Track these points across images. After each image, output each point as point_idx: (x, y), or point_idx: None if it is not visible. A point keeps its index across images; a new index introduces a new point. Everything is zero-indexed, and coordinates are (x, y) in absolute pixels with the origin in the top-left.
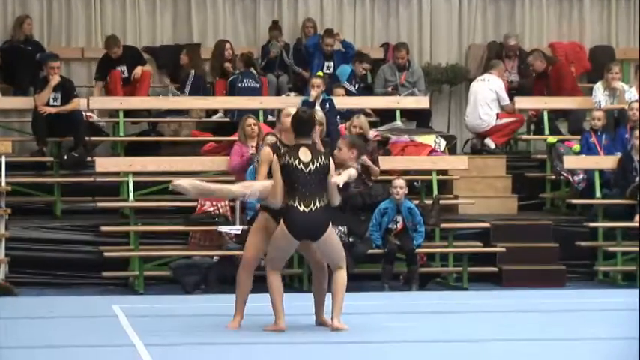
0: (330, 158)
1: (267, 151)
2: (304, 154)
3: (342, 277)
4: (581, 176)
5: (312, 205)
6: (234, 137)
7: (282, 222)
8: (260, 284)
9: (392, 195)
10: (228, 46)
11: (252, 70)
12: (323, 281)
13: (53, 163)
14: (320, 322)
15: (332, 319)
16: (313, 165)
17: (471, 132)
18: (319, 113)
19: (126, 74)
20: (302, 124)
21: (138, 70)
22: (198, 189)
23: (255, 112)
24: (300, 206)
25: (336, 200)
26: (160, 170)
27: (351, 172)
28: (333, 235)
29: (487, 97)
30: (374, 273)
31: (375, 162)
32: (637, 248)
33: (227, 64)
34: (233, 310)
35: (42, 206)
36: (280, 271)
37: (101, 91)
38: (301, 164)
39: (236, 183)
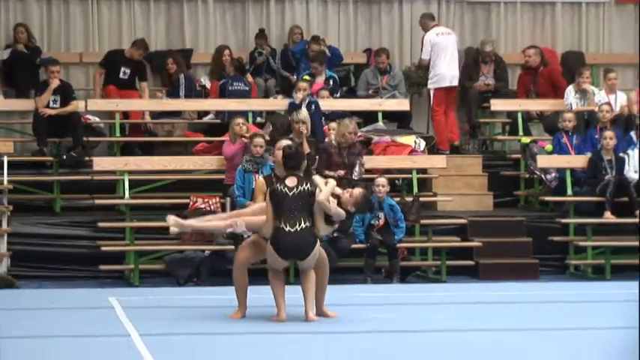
0: (317, 184)
1: (260, 182)
2: (290, 181)
3: (312, 275)
4: (553, 175)
5: (297, 225)
6: (225, 137)
7: (269, 244)
8: (261, 277)
9: (374, 192)
10: (227, 52)
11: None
12: (324, 275)
13: (53, 162)
14: (320, 313)
15: (307, 311)
16: (297, 189)
17: (448, 84)
18: (303, 112)
19: (126, 76)
20: (290, 159)
21: (144, 86)
22: (193, 227)
23: (244, 114)
24: (286, 227)
25: (322, 230)
26: (154, 169)
27: (331, 183)
28: (317, 256)
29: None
30: (357, 267)
31: (360, 154)
32: (606, 243)
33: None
34: (225, 301)
35: (42, 203)
36: (282, 275)
37: (101, 79)
38: (286, 188)
39: (229, 170)
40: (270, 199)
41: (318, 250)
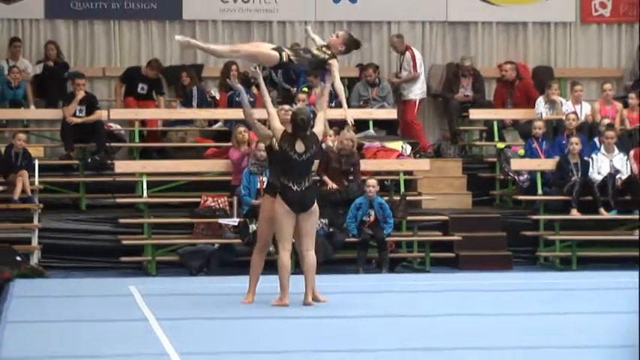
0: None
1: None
2: (299, 146)
3: (313, 257)
4: (525, 176)
5: (303, 184)
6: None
7: (279, 199)
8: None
9: (365, 192)
10: (234, 67)
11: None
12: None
13: (79, 165)
14: (315, 299)
15: (306, 296)
16: (306, 155)
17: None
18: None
19: (144, 91)
20: (299, 127)
21: (160, 99)
22: (196, 45)
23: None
24: (294, 186)
25: (324, 103)
26: (169, 171)
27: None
28: (317, 214)
29: None
30: (350, 258)
31: (357, 165)
32: (572, 237)
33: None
34: (233, 289)
35: (69, 202)
36: (290, 252)
37: (121, 91)
38: (296, 154)
39: (235, 172)
40: (280, 157)
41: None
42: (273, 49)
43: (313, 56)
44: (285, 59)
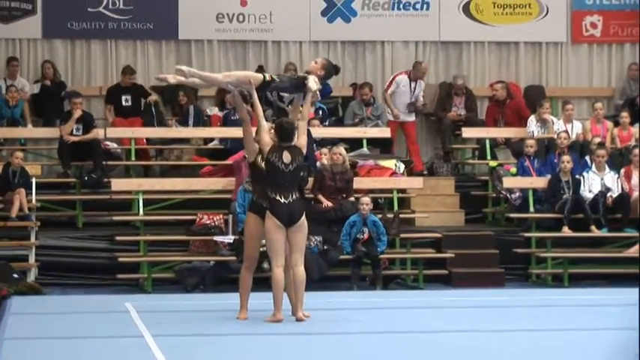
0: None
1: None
2: (286, 157)
3: (302, 273)
4: (517, 194)
5: (290, 197)
6: (229, 161)
7: (268, 214)
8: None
9: (359, 210)
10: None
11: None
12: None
13: (76, 183)
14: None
15: (297, 311)
16: (292, 165)
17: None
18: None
19: (129, 103)
20: (285, 134)
21: (151, 100)
22: (192, 73)
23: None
24: (282, 198)
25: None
26: (165, 189)
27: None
28: (305, 227)
29: None
30: (344, 275)
31: (350, 181)
32: (564, 255)
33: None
34: (228, 306)
35: (66, 219)
36: (283, 267)
37: (111, 112)
38: (283, 164)
39: (236, 179)
40: (268, 169)
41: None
42: (256, 71)
43: (293, 77)
44: (267, 79)
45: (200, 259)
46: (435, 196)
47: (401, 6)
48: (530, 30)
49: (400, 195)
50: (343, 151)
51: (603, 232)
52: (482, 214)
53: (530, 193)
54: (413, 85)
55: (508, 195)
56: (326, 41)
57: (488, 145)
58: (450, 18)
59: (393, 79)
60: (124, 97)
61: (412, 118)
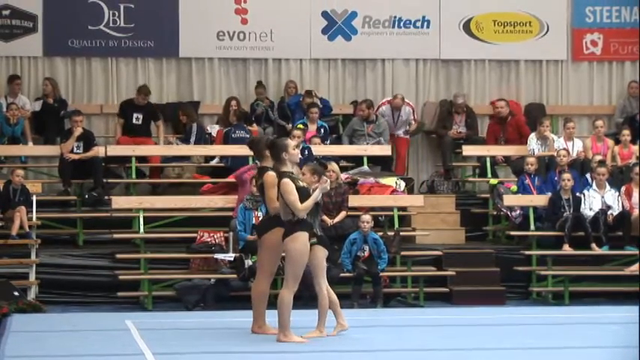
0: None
1: (272, 175)
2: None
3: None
4: (518, 212)
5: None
6: (230, 179)
7: (300, 234)
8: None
9: (360, 228)
10: (234, 102)
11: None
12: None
13: (76, 201)
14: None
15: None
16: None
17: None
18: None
19: (140, 121)
20: (274, 148)
21: (159, 124)
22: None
23: (245, 158)
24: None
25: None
26: (166, 207)
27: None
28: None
29: None
30: (345, 293)
31: (346, 201)
32: (565, 272)
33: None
34: (229, 324)
35: (67, 237)
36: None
37: (120, 128)
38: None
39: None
40: (299, 194)
41: None
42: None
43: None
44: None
45: (200, 277)
46: (435, 213)
47: (401, 24)
48: (530, 48)
49: (401, 213)
50: (336, 167)
51: (604, 250)
52: (483, 232)
53: (531, 210)
54: (396, 113)
55: (509, 213)
56: (326, 59)
57: (488, 163)
58: (450, 36)
59: (378, 108)
60: (135, 115)
61: (404, 135)
